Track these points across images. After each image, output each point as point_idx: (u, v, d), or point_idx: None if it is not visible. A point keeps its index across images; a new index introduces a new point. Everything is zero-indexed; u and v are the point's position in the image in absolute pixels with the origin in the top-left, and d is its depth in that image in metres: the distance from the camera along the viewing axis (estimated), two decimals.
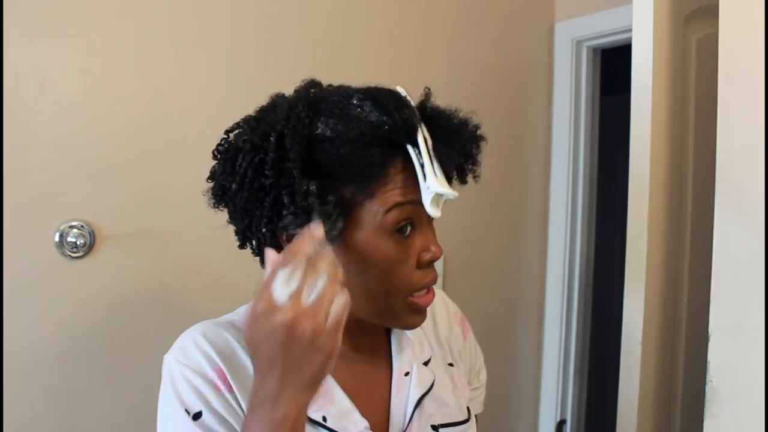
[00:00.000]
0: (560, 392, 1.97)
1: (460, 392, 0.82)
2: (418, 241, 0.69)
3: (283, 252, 0.60)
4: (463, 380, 0.85)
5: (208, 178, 0.72)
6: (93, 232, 1.19)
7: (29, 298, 1.14)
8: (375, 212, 0.66)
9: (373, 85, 0.71)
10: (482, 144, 0.74)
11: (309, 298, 0.57)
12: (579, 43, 1.91)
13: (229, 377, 0.67)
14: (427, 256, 0.70)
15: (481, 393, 0.92)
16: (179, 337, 0.71)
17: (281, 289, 0.57)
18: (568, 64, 1.92)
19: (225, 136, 0.71)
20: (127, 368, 1.22)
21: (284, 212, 0.65)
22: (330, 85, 0.74)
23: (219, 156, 0.71)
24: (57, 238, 1.16)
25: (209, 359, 0.67)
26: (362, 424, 0.70)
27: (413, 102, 0.70)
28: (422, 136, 0.66)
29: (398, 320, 0.72)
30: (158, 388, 0.70)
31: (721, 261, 0.92)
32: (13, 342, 1.12)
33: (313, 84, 0.73)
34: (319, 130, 0.65)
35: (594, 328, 2.06)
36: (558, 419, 1.97)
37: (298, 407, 0.59)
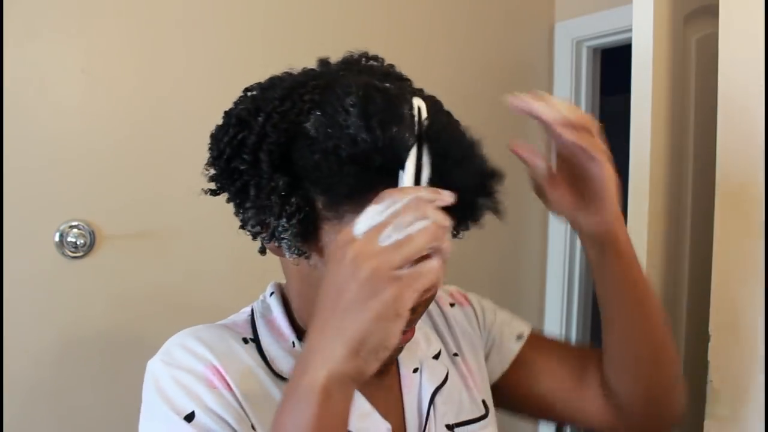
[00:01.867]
0: None
1: (472, 382, 0.73)
2: None
3: (385, 192, 0.48)
4: (473, 366, 0.75)
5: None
6: (93, 232, 1.19)
7: (29, 298, 1.14)
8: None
9: (397, 74, 0.64)
10: (497, 186, 0.60)
11: (389, 237, 0.44)
12: (579, 43, 1.91)
13: (226, 376, 0.58)
14: None
15: (525, 325, 0.85)
16: (165, 343, 0.63)
17: (363, 221, 0.46)
18: (568, 64, 1.92)
19: (242, 94, 0.61)
20: (126, 368, 1.22)
21: (246, 204, 0.56)
22: (378, 62, 0.65)
23: (224, 115, 0.61)
24: (57, 238, 1.16)
25: (201, 358, 0.59)
26: (384, 426, 0.62)
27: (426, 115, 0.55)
28: (414, 163, 0.51)
29: None
30: None
31: (721, 261, 0.92)
32: (13, 342, 1.12)
33: (350, 61, 0.63)
34: (309, 124, 0.54)
35: (594, 328, 2.06)
36: None
37: (332, 375, 0.44)
